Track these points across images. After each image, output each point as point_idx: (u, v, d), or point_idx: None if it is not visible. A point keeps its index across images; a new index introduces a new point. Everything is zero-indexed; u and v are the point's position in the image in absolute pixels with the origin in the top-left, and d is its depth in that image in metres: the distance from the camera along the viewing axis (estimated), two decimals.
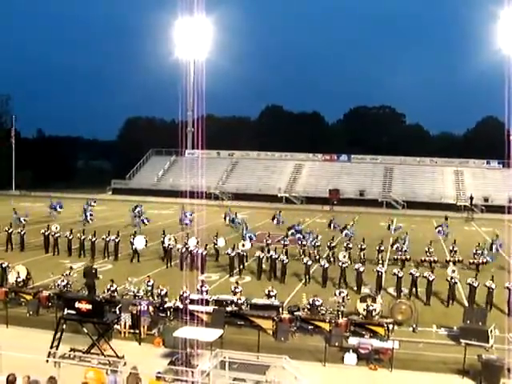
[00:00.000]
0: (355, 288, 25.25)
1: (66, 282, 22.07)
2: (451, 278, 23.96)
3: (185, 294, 20.76)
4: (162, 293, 21.24)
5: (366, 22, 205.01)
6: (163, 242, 31.33)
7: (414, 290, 24.62)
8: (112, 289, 21.33)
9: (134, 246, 30.93)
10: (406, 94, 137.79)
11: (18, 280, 22.76)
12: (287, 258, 28.35)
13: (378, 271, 25.38)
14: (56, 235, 32.80)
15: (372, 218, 52.73)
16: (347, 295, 20.89)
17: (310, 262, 27.30)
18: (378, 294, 23.34)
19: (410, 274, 24.74)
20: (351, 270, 26.47)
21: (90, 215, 44.26)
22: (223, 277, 27.83)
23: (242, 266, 29.00)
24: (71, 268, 24.45)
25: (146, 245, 31.28)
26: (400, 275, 24.62)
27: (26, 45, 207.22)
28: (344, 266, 26.52)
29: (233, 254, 28.73)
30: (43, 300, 21.65)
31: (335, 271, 27.00)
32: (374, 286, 25.04)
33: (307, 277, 26.85)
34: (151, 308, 19.87)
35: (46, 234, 33.08)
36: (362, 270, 25.58)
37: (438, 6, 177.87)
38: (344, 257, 27.67)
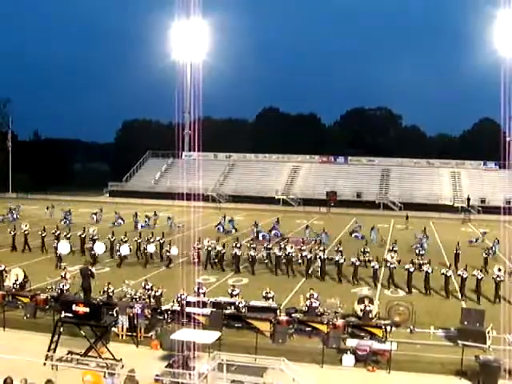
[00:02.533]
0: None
1: (63, 284, 22.05)
2: (497, 276, 24.33)
3: (182, 296, 20.73)
4: (158, 294, 21.24)
5: (362, 24, 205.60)
6: (145, 248, 31.04)
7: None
8: (109, 291, 21.33)
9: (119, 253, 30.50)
10: (403, 95, 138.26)
11: (17, 283, 22.67)
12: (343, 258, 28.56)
13: (427, 271, 25.69)
14: (94, 238, 33.30)
15: (369, 219, 52.62)
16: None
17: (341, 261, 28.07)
18: (428, 294, 25.14)
19: (459, 275, 25.19)
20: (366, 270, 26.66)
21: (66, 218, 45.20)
22: (221, 279, 27.82)
23: (290, 268, 29.19)
24: (65, 268, 24.47)
25: (70, 250, 30.10)
26: (448, 274, 25.14)
27: (23, 47, 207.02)
28: (392, 266, 26.85)
29: (280, 254, 29.33)
30: (40, 303, 21.57)
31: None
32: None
33: (355, 278, 27.49)
34: (149, 310, 19.84)
35: (83, 236, 33.57)
36: (412, 270, 25.97)
37: (435, 8, 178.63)
38: (392, 258, 27.88)
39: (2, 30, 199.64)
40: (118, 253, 30.38)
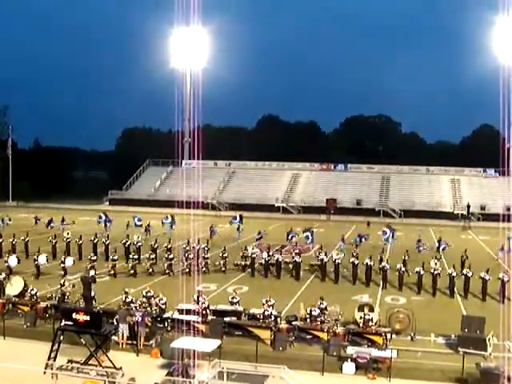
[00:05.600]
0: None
1: (62, 292, 22.04)
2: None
3: (192, 308, 20.71)
4: (161, 303, 21.19)
5: (362, 31, 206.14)
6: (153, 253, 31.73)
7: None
8: (128, 300, 21.01)
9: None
10: (403, 102, 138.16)
11: (32, 292, 22.38)
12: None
13: (466, 276, 26.58)
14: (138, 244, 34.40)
15: (369, 227, 52.61)
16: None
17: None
18: (466, 297, 26.25)
19: (499, 278, 25.99)
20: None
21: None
22: (221, 287, 27.80)
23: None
24: (65, 274, 24.39)
25: (18, 263, 29.27)
26: (486, 278, 25.98)
27: (22, 55, 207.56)
28: (436, 273, 27.25)
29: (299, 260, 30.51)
30: (40, 311, 21.55)
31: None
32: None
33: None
34: (149, 319, 19.82)
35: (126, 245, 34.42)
36: (454, 275, 26.74)
37: (435, 15, 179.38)
38: (435, 264, 28.18)
39: (3, 34, 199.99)
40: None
